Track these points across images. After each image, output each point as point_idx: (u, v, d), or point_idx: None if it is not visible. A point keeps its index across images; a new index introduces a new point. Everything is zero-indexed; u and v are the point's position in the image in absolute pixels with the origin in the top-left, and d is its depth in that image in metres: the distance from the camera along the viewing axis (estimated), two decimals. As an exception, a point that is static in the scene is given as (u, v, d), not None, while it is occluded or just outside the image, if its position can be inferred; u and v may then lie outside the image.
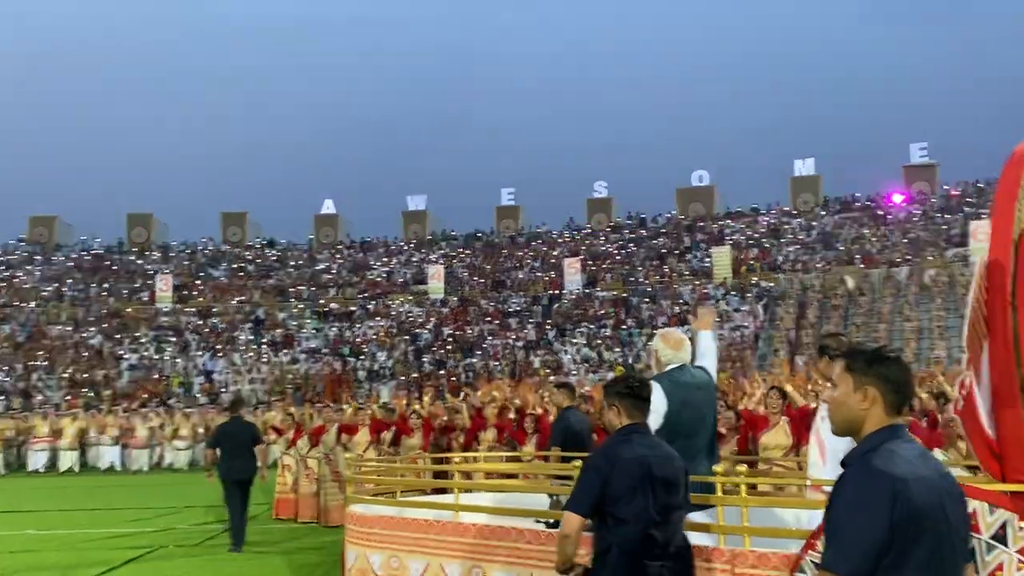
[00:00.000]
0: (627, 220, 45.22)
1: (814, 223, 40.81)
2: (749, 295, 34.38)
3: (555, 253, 43.05)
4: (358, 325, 38.28)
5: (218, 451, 10.42)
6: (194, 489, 16.47)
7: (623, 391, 3.77)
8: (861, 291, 32.96)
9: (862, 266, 34.93)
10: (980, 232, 32.60)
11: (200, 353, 36.13)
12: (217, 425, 11.90)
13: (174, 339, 37.46)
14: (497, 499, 6.86)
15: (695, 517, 4.53)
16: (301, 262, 46.06)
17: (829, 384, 4.80)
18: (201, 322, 39.14)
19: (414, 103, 78.94)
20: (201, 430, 20.97)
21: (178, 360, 35.72)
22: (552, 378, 29.16)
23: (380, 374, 34.01)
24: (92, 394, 32.59)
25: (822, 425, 4.83)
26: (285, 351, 36.25)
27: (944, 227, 36.77)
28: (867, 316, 31.41)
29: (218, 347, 36.43)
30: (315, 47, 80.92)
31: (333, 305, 40.34)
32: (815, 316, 32.18)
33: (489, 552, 5.63)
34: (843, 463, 2.42)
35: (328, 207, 49.27)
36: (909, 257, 34.69)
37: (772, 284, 34.99)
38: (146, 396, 32.71)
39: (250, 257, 46.66)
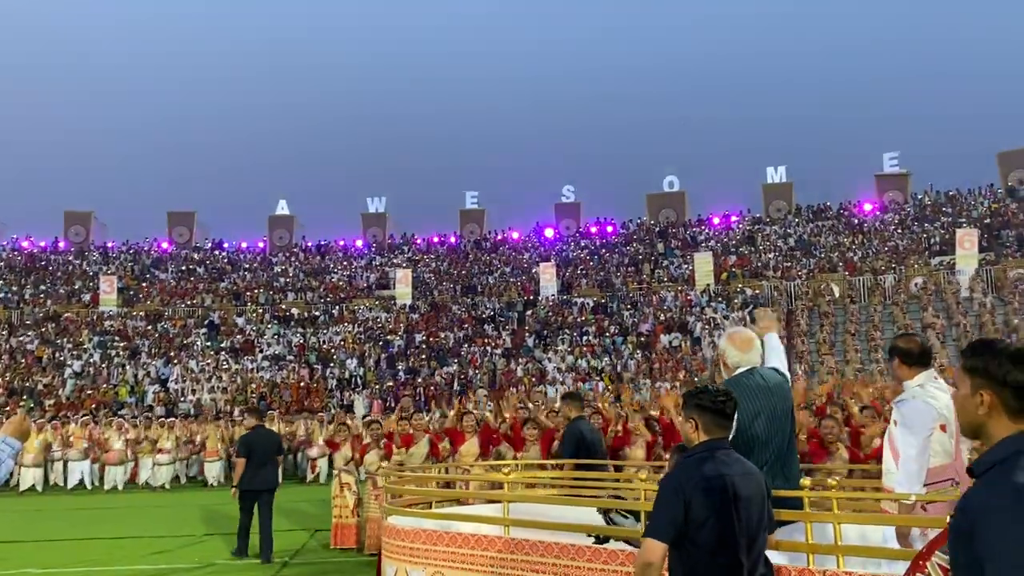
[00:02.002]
0: (596, 225, 44.08)
1: (789, 230, 40.33)
2: (736, 302, 33.49)
3: (525, 257, 41.68)
4: (323, 331, 36.10)
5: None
6: (197, 510, 14.45)
7: (706, 405, 3.51)
8: (852, 298, 32.40)
9: (846, 273, 34.43)
10: (967, 240, 32.50)
11: (152, 360, 33.45)
12: (243, 434, 10.92)
13: (121, 344, 34.68)
14: (534, 512, 6.35)
15: (778, 535, 4.21)
16: (255, 264, 43.59)
17: (900, 386, 4.81)
18: (150, 327, 36.41)
19: (374, 103, 76.59)
20: (197, 441, 18.87)
21: (127, 367, 32.99)
22: (563, 389, 27.64)
23: (352, 382, 31.94)
24: (32, 404, 29.69)
25: (895, 430, 4.65)
26: (246, 357, 33.84)
27: (924, 236, 36.61)
28: (859, 323, 30.80)
29: (171, 353, 33.81)
30: (266, 48, 78.04)
31: (294, 310, 38.06)
32: (806, 323, 31.45)
33: (543, 571, 5.33)
34: (971, 471, 2.22)
35: (282, 208, 46.90)
36: (893, 265, 34.32)
37: (757, 291, 34.19)
38: (94, 406, 29.96)
39: (199, 259, 43.97)
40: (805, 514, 4.32)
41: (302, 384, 31.73)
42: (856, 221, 39.75)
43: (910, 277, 32.90)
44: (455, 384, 30.15)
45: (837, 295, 33.00)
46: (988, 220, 35.88)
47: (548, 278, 36.91)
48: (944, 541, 3.16)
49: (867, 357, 28.03)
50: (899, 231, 37.73)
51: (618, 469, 8.46)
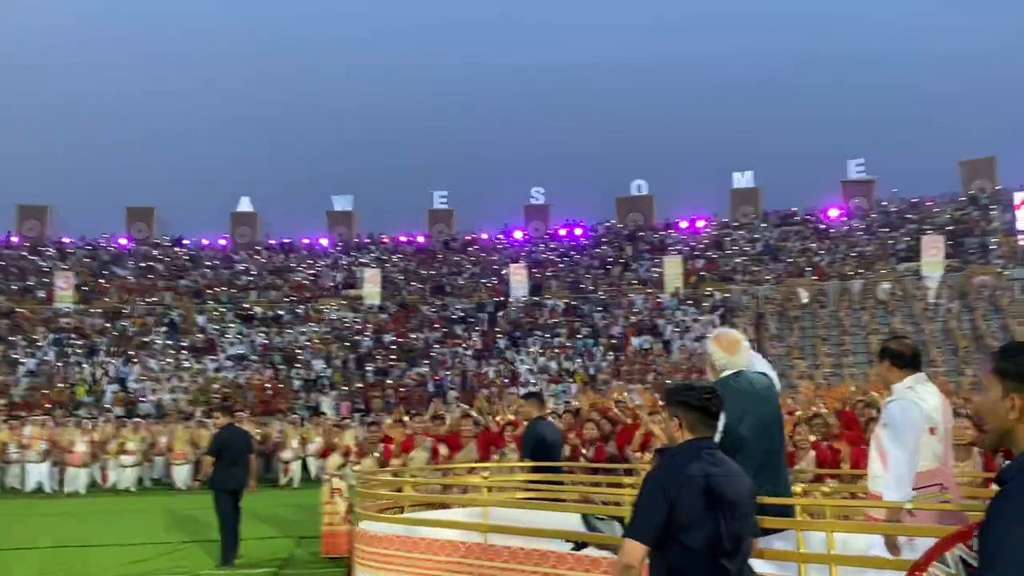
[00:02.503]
0: (566, 227, 43.91)
1: (756, 235, 40.54)
2: (705, 306, 33.51)
3: (495, 259, 41.35)
4: (288, 331, 35.36)
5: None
6: (168, 515, 13.86)
7: (691, 402, 3.37)
8: (821, 303, 32.60)
9: (814, 278, 34.66)
10: (932, 246, 32.90)
11: (110, 359, 32.43)
12: (215, 432, 10.64)
13: (78, 342, 33.60)
14: (510, 517, 6.06)
15: (768, 543, 4.06)
16: (217, 262, 42.63)
17: (887, 388, 4.72)
18: (108, 324, 35.33)
19: (341, 100, 75.44)
20: (166, 444, 18.17)
21: (84, 365, 31.95)
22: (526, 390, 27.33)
23: (318, 384, 31.29)
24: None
25: (883, 433, 4.54)
26: (208, 357, 32.99)
27: (890, 241, 37.02)
28: (827, 328, 30.99)
29: (130, 352, 32.82)
30: (228, 35, 76.52)
31: (257, 309, 37.24)
32: (776, 327, 31.57)
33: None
34: (998, 479, 2.14)
35: (245, 205, 45.93)
36: (861, 271, 34.63)
37: (727, 295, 34.26)
38: (49, 405, 28.93)
39: (159, 256, 42.87)
40: (797, 522, 4.18)
41: (267, 385, 31.01)
42: (823, 227, 40.08)
43: (877, 283, 33.21)
44: (429, 386, 29.67)
45: (805, 300, 33.20)
46: (952, 227, 36.39)
47: (519, 279, 36.60)
48: (940, 552, 3.16)
49: (837, 362, 28.18)
50: (865, 237, 38.11)
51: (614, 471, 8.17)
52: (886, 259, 35.64)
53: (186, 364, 32.32)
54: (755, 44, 70.58)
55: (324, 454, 10.69)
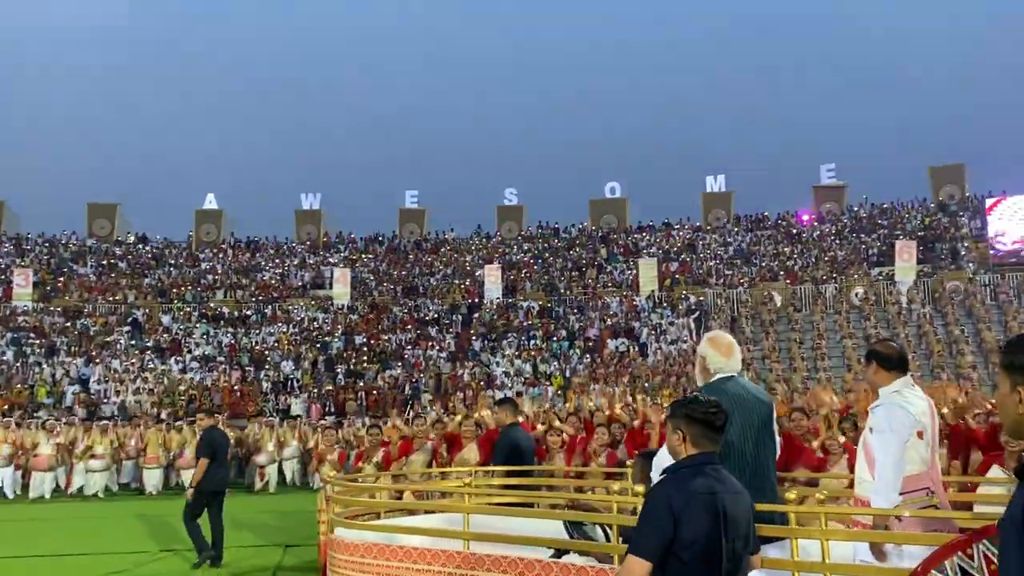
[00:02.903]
0: (539, 229, 43.60)
1: (729, 239, 40.57)
2: (680, 308, 33.37)
3: (467, 260, 40.89)
4: (255, 331, 34.54)
5: None
6: (141, 522, 13.19)
7: (696, 416, 3.30)
8: (795, 307, 32.62)
9: (788, 282, 34.70)
10: (905, 251, 33.11)
11: (71, 359, 31.38)
12: (206, 434, 10.23)
13: (37, 342, 32.48)
14: (489, 525, 5.93)
15: (762, 551, 3.89)
16: (181, 260, 41.61)
17: (876, 392, 4.68)
18: (69, 324, 34.23)
19: (311, 98, 74.39)
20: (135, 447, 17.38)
21: (44, 366, 30.87)
22: (511, 394, 26.92)
23: (287, 385, 30.55)
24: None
25: (870, 437, 4.52)
26: (173, 358, 32.07)
27: (862, 247, 37.23)
28: (802, 332, 30.99)
29: (92, 352, 31.80)
30: (193, 33, 75.11)
31: (224, 309, 36.35)
32: (751, 331, 31.50)
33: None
34: (1019, 472, 2.12)
35: (211, 202, 44.93)
36: (834, 275, 34.75)
37: (701, 298, 34.16)
38: (7, 407, 27.86)
39: (121, 253, 41.74)
40: (791, 530, 4.10)
41: (235, 387, 30.20)
42: (795, 231, 40.23)
43: (850, 287, 33.33)
44: (406, 388, 29.09)
45: (779, 304, 33.21)
46: (922, 233, 36.70)
47: (493, 280, 36.18)
48: (938, 561, 3.15)
49: (812, 366, 28.15)
50: (837, 242, 38.30)
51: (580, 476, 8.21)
52: (859, 264, 35.82)
53: (150, 365, 31.38)
54: (728, 50, 71.01)
55: (319, 459, 10.12)
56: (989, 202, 34.88)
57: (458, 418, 9.91)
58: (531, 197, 45.81)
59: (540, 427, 9.42)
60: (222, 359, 32.09)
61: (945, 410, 8.36)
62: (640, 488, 4.66)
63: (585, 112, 72.42)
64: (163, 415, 26.83)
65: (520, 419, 8.65)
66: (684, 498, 3.10)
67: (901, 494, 4.36)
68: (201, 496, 9.65)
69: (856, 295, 32.80)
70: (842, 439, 7.47)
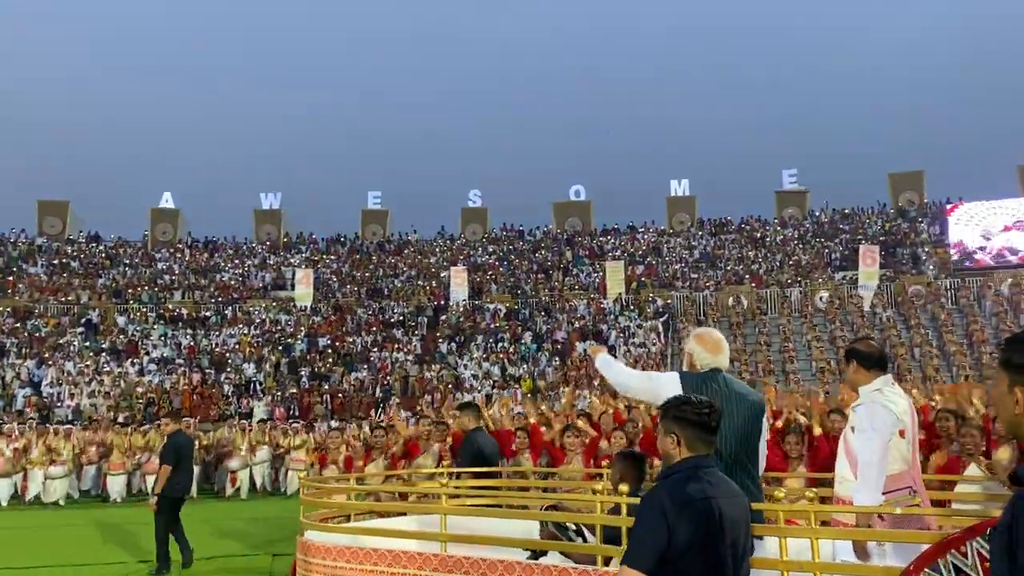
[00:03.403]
0: (504, 231, 43.33)
1: (694, 243, 40.72)
2: (648, 311, 33.33)
3: (432, 261, 40.44)
4: (215, 333, 33.67)
5: None
6: (107, 531, 12.57)
7: (690, 418, 3.21)
8: (761, 310, 32.80)
9: (753, 286, 34.90)
10: (868, 256, 33.49)
11: (21, 361, 30.23)
12: (171, 440, 10.02)
13: (-15, 343, 31.25)
14: (462, 527, 5.74)
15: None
16: (137, 260, 40.49)
17: (856, 392, 4.72)
18: (19, 324, 33.00)
19: (267, 95, 73.00)
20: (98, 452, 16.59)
21: (-8, 368, 29.69)
22: (480, 397, 26.57)
23: (250, 388, 29.78)
24: None
25: (852, 436, 4.52)
26: (130, 360, 31.08)
27: (825, 251, 37.62)
28: (769, 335, 31.15)
29: (44, 354, 30.67)
30: (149, 24, 73.30)
31: (182, 310, 35.39)
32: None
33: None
34: (1013, 478, 2.21)
35: (167, 201, 43.83)
36: (799, 279, 35.04)
37: (668, 301, 34.18)
38: (-47, 411, 26.73)
39: (73, 252, 40.47)
40: (779, 529, 4.02)
41: (195, 390, 29.35)
42: (758, 235, 40.51)
43: (815, 291, 33.62)
44: (377, 391, 28.54)
45: (745, 307, 33.36)
46: (883, 238, 37.19)
47: (459, 282, 35.77)
48: (931, 559, 3.12)
49: (782, 368, 28.29)
50: (800, 246, 38.65)
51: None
52: (822, 268, 36.16)
53: (106, 367, 30.37)
54: (692, 55, 71.57)
55: (322, 461, 9.68)
56: (954, 210, 35.41)
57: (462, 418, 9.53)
58: (495, 199, 45.53)
59: (556, 426, 9.09)
60: (181, 361, 31.20)
61: (973, 410, 8.28)
62: (624, 488, 4.64)
63: (549, 115, 72.43)
64: (120, 419, 25.97)
65: (483, 423, 8.49)
66: (678, 505, 3.01)
67: (884, 493, 4.34)
68: (168, 503, 9.50)
69: (820, 299, 33.11)
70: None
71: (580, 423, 8.94)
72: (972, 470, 6.98)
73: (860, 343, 4.87)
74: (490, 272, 38.77)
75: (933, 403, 10.67)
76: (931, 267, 34.56)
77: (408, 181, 60.56)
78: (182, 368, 30.53)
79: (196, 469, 16.04)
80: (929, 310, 31.14)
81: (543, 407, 12.69)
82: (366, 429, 18.72)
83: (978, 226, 34.33)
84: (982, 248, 34.06)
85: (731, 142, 65.90)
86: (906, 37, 64.89)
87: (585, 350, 30.86)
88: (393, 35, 76.00)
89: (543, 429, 9.26)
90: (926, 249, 35.99)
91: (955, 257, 34.52)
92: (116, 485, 16.52)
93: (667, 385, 4.35)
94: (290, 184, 49.53)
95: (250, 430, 18.71)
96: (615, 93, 71.50)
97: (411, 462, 8.59)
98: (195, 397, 28.88)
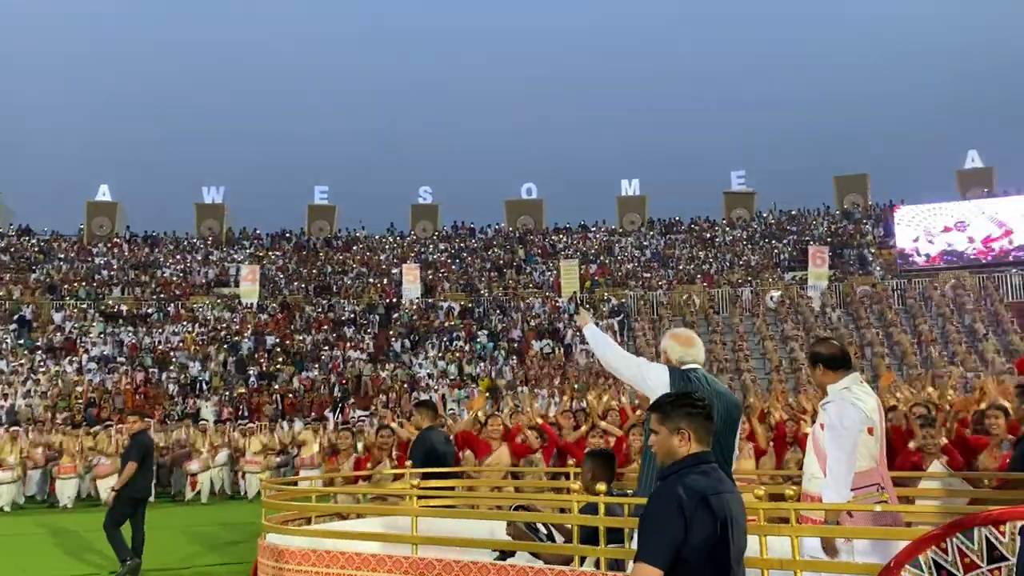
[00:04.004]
0: (455, 229, 42.84)
1: (645, 243, 40.85)
2: (603, 310, 33.25)
3: (381, 258, 39.74)
4: (157, 330, 32.45)
5: None
6: (60, 538, 11.80)
7: (696, 411, 3.17)
8: (714, 309, 33.00)
9: (705, 285, 35.12)
10: (818, 256, 34.01)
11: (-51, 359, 28.67)
12: (136, 437, 9.80)
13: (-91, 341, 29.56)
14: (429, 528, 5.73)
15: None
16: (72, 255, 38.87)
17: (823, 392, 4.73)
18: (-54, 321, 31.33)
19: (211, 86, 70.69)
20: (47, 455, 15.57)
21: (-82, 367, 28.09)
22: (436, 397, 26.12)
23: (196, 387, 28.75)
24: None
25: (821, 434, 4.54)
26: (68, 358, 29.74)
27: (774, 252, 38.10)
28: (723, 334, 31.34)
29: (-26, 352, 29.16)
30: (84, 19, 70.54)
31: (122, 306, 34.04)
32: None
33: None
34: None
35: (104, 194, 42.22)
36: (749, 279, 35.38)
37: (622, 300, 34.17)
38: None
39: (3, 246, 38.64)
40: (759, 527, 4.04)
41: (138, 389, 28.21)
42: (707, 236, 40.84)
43: (766, 291, 33.98)
44: (335, 390, 27.78)
45: (697, 306, 33.53)
46: (830, 239, 37.82)
47: (411, 279, 35.19)
48: (911, 556, 3.11)
49: (736, 367, 28.45)
50: (750, 247, 39.07)
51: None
52: (772, 268, 36.59)
53: (42, 366, 28.99)
54: (638, 55, 71.97)
55: (332, 463, 9.12)
56: (900, 213, 36.09)
57: (480, 417, 9.16)
58: (446, 196, 45.01)
59: (584, 428, 8.73)
60: (122, 359, 29.97)
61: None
62: (602, 487, 4.58)
63: (500, 112, 72.09)
64: (59, 419, 24.78)
65: (441, 422, 8.65)
66: (695, 500, 2.96)
67: (852, 490, 4.38)
68: (123, 502, 9.33)
69: (771, 298, 33.46)
70: (943, 440, 7.09)
71: (604, 424, 8.61)
72: (936, 467, 7.12)
73: (821, 345, 4.84)
74: (442, 270, 38.26)
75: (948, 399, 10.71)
76: (878, 268, 35.25)
77: (356, 176, 59.53)
78: (124, 367, 29.33)
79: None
80: (877, 310, 31.71)
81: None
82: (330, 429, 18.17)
83: (920, 227, 35.11)
84: (923, 249, 34.85)
85: (681, 143, 66.59)
86: (851, 48, 66.54)
87: (542, 348, 30.68)
88: (341, 30, 74.72)
89: (553, 429, 8.91)
90: (872, 251, 36.71)
91: (902, 257, 35.17)
92: (67, 490, 15.57)
93: (655, 376, 4.44)
94: (233, 178, 48.11)
95: (212, 431, 17.87)
96: (566, 93, 71.66)
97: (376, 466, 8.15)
98: (138, 397, 27.76)
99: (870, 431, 4.49)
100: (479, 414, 9.54)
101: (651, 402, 4.02)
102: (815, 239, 37.81)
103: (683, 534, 2.92)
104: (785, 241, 38.96)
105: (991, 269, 33.06)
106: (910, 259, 34.80)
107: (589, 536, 4.45)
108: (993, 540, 3.07)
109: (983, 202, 35.22)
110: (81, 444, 16.18)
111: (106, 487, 13.80)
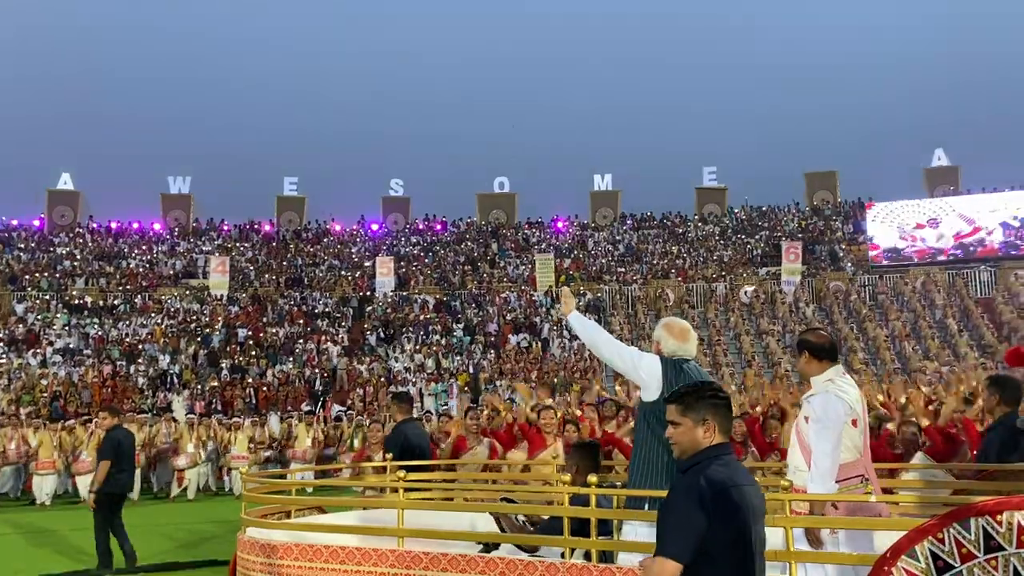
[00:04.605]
0: (427, 222, 42.44)
1: (618, 237, 40.86)
2: (578, 304, 33.16)
3: (353, 251, 39.24)
4: (124, 322, 31.66)
5: None
6: (38, 538, 11.35)
7: (720, 402, 3.17)
8: (689, 303, 33.12)
9: (679, 280, 35.22)
10: (792, 252, 34.31)
11: (-93, 351, 27.67)
12: (109, 434, 9.77)
13: None
14: (419, 522, 5.67)
15: None
16: (32, 245, 37.78)
17: (807, 381, 4.77)
18: (-98, 312, 30.25)
19: (177, 75, 69.05)
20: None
21: None
22: (413, 391, 25.89)
23: (166, 381, 28.09)
24: None
25: (805, 426, 4.55)
26: (31, 351, 28.88)
27: (747, 247, 38.35)
28: (699, 329, 31.43)
29: (-67, 344, 28.18)
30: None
31: (87, 298, 33.17)
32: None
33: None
34: None
35: (65, 183, 41.09)
36: (724, 274, 35.56)
37: (598, 294, 34.14)
38: None
39: (-41, 235, 37.45)
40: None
41: (105, 383, 27.47)
42: (680, 231, 40.98)
43: (740, 286, 34.19)
44: (307, 384, 27.31)
45: (672, 301, 33.64)
46: (801, 235, 38.16)
47: (385, 272, 34.78)
48: (908, 546, 3.12)
49: (714, 361, 28.58)
50: (722, 242, 39.27)
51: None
52: (745, 264, 36.83)
53: (3, 359, 28.12)
54: (608, 49, 71.96)
55: (361, 459, 8.79)
56: (872, 211, 36.44)
57: (526, 409, 8.95)
58: (417, 189, 44.55)
59: (626, 426, 8.52)
60: (89, 352, 29.19)
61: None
62: (593, 479, 4.55)
63: (471, 107, 71.65)
64: (23, 414, 24.01)
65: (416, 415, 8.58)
66: (717, 492, 2.93)
67: (836, 482, 4.39)
68: (106, 501, 9.28)
69: (745, 293, 33.69)
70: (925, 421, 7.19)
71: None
72: (919, 458, 7.39)
73: (811, 334, 4.87)
74: (415, 263, 37.88)
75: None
76: (849, 264, 35.65)
77: (326, 168, 58.72)
78: (91, 359, 28.55)
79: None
80: (850, 305, 32.08)
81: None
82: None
83: (894, 224, 35.56)
84: (898, 246, 35.32)
85: (653, 139, 66.72)
86: (820, 51, 67.25)
87: (519, 342, 30.52)
88: (311, 17, 73.66)
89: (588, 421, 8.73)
90: (843, 247, 37.12)
91: (879, 252, 35.52)
92: (45, 486, 15.00)
93: (647, 366, 4.42)
94: (199, 168, 47.09)
95: (198, 425, 17.37)
96: (539, 87, 71.42)
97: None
98: (106, 391, 27.03)
99: (854, 423, 4.52)
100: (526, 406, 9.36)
101: (668, 394, 4.04)
102: (787, 235, 38.14)
103: (705, 527, 2.89)
104: (757, 237, 39.24)
105: (960, 265, 33.64)
106: (889, 255, 35.20)
107: (574, 528, 4.43)
108: (990, 530, 3.11)
109: (953, 199, 35.81)
110: (59, 439, 15.62)
111: (85, 484, 13.46)
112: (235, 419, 19.38)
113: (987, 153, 48.02)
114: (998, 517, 3.09)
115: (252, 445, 16.54)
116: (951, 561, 3.13)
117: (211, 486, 16.94)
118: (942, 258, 34.30)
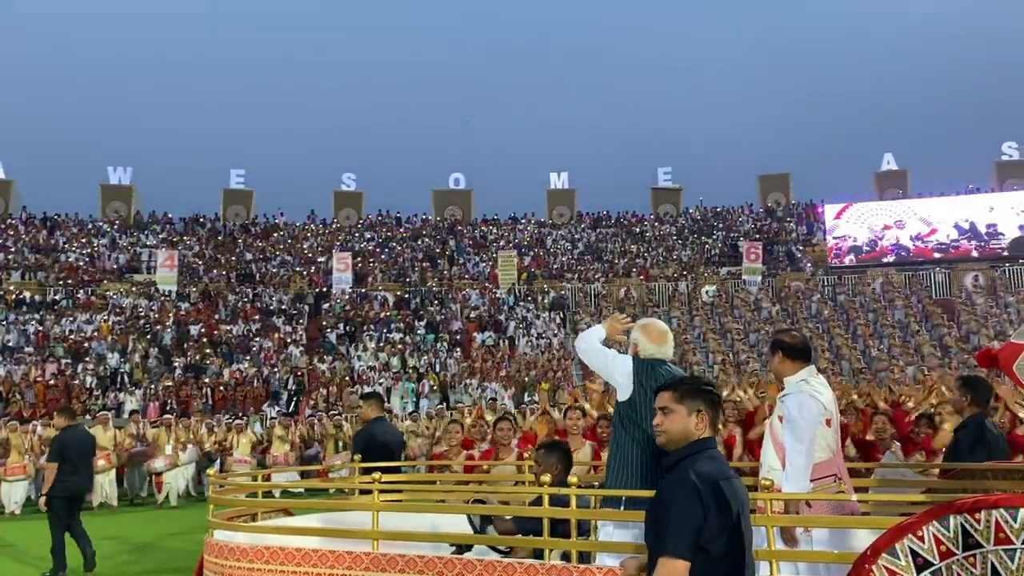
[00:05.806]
0: (380, 217, 41.49)
1: (576, 235, 40.61)
2: (544, 302, 32.78)
3: (305, 246, 38.06)
4: (68, 318, 29.97)
5: None
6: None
7: (715, 398, 3.18)
8: (652, 302, 33.01)
9: (641, 278, 35.12)
10: (752, 252, 34.52)
11: None
12: (56, 436, 9.76)
13: None
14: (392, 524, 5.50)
15: None
16: (-38, 236, 35.60)
17: (780, 381, 4.81)
18: None
19: (122, 63, 66.04)
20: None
21: None
22: (380, 389, 25.07)
23: (116, 380, 26.62)
24: None
25: (779, 426, 4.59)
26: (-32, 349, 27.07)
27: (705, 247, 38.49)
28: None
29: None
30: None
31: (25, 292, 31.32)
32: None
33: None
34: None
35: (-5, 170, 38.90)
36: (684, 273, 35.60)
37: (562, 292, 33.78)
38: None
39: None
40: None
41: (50, 382, 25.88)
42: (636, 230, 40.95)
43: (701, 285, 34.25)
44: (288, 383, 26.17)
45: (635, 299, 33.51)
46: (757, 236, 38.51)
47: (342, 268, 33.75)
48: (888, 544, 3.14)
49: (683, 359, 28.47)
50: (680, 242, 39.36)
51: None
52: (704, 263, 36.94)
53: (-63, 357, 26.27)
54: (564, 47, 71.83)
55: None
56: (831, 210, 36.86)
57: (555, 413, 8.39)
58: (369, 184, 43.53)
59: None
60: (31, 350, 27.50)
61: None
62: (574, 479, 4.57)
63: (428, 100, 70.65)
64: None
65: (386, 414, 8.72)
66: (710, 486, 2.90)
67: (810, 481, 4.43)
68: (57, 504, 9.19)
69: (707, 292, 33.76)
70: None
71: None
72: (889, 456, 7.47)
73: (784, 334, 4.92)
74: (371, 259, 36.93)
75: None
76: (808, 265, 36.07)
77: (274, 161, 57.00)
78: (33, 357, 26.90)
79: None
80: (812, 305, 32.39)
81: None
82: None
83: (864, 224, 36.13)
84: (866, 245, 35.92)
85: (609, 139, 66.84)
86: (773, 52, 68.36)
87: (484, 340, 29.93)
88: (265, 7, 71.51)
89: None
90: (799, 247, 37.57)
91: (844, 252, 36.01)
92: (15, 493, 13.75)
93: (620, 368, 4.41)
94: (141, 159, 45.12)
95: (176, 426, 16.25)
96: (493, 84, 70.87)
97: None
98: (52, 390, 25.45)
99: (827, 423, 4.56)
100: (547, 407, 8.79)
101: (639, 394, 4.24)
102: (742, 235, 38.42)
103: (703, 521, 2.85)
104: (714, 237, 39.45)
105: (916, 267, 34.34)
106: (858, 255, 35.74)
107: (537, 528, 4.46)
108: (969, 528, 3.14)
109: (914, 202, 36.68)
110: (31, 442, 14.40)
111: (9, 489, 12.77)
112: (237, 421, 18.18)
113: (934, 157, 49.41)
114: (976, 515, 3.12)
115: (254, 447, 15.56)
116: (930, 558, 3.15)
117: (191, 491, 15.83)
118: (911, 258, 35.11)
